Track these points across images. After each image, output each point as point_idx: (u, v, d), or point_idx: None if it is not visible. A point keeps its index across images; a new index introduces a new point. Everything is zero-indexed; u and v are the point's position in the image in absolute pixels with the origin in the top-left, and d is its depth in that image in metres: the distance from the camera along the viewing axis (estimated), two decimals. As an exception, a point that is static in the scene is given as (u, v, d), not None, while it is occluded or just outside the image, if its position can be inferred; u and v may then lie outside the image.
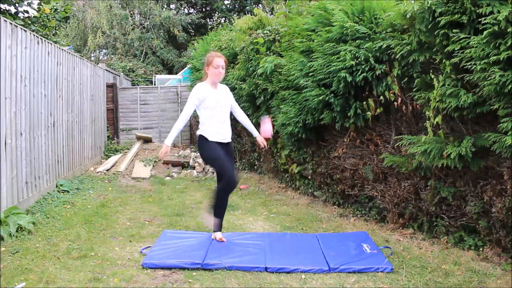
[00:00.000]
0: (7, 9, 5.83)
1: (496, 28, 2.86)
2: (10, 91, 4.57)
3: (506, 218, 3.23)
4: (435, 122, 3.50)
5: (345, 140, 4.82)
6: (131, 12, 18.67)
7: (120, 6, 18.11)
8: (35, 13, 6.53)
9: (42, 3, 6.53)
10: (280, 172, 6.54)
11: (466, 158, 3.26)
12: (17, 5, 5.97)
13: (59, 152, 6.25)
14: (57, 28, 7.81)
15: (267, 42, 6.19)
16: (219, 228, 3.92)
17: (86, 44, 18.17)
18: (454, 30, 3.19)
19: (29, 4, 6.18)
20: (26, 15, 6.30)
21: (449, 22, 3.21)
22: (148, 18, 18.06)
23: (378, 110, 4.27)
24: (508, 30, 2.81)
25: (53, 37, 7.16)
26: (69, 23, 17.25)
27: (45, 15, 6.72)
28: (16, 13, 5.96)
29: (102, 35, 17.26)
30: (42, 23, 6.68)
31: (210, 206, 3.92)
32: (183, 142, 11.48)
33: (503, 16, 2.82)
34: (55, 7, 7.17)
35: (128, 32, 17.48)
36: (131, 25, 17.82)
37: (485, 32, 2.92)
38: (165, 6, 19.34)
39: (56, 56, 6.12)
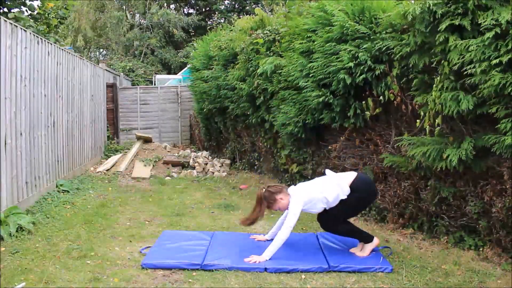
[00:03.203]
0: (8, 10, 5.83)
1: (498, 30, 2.86)
2: (10, 91, 4.56)
3: (506, 218, 3.23)
4: (434, 123, 3.50)
5: (342, 138, 4.83)
6: (131, 12, 18.67)
7: (116, 7, 18.09)
8: (38, 10, 6.51)
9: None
10: (280, 172, 6.54)
11: (466, 161, 3.26)
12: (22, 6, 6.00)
13: (59, 152, 6.24)
14: (58, 27, 7.79)
15: (267, 42, 6.19)
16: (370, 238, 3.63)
17: (86, 45, 18.20)
18: (453, 35, 3.18)
19: (29, 8, 6.19)
20: (29, 12, 6.30)
21: (450, 24, 3.21)
22: (146, 18, 18.07)
23: (377, 110, 4.27)
24: (510, 31, 2.81)
25: (55, 35, 7.14)
26: (67, 25, 17.29)
27: (47, 11, 6.70)
28: (21, 12, 5.97)
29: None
30: (45, 20, 6.68)
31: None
32: (183, 142, 11.48)
33: (505, 19, 2.82)
34: (57, 7, 7.16)
35: (124, 33, 17.48)
36: (129, 24, 17.80)
37: (486, 34, 2.92)
38: (165, 5, 19.33)
39: (56, 56, 6.11)
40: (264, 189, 3.64)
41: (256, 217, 3.65)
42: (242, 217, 3.84)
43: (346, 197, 3.46)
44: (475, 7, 3.08)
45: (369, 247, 3.54)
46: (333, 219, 3.57)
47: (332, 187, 3.49)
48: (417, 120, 3.76)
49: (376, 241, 3.57)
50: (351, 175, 3.58)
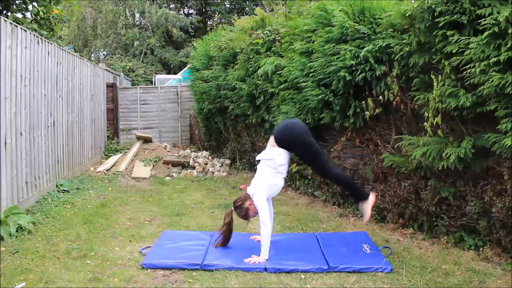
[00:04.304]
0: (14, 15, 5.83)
1: (496, 29, 2.86)
2: (10, 91, 4.56)
3: (506, 218, 3.23)
4: (434, 122, 3.50)
5: (343, 138, 4.83)
6: (131, 11, 18.68)
7: (113, 3, 18.09)
8: (41, 15, 6.51)
9: (51, 3, 6.48)
10: (280, 172, 6.54)
11: (466, 159, 3.26)
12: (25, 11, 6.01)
13: (59, 152, 6.24)
14: (61, 30, 7.80)
15: (267, 43, 6.19)
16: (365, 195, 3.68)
17: (86, 45, 18.20)
18: (453, 31, 3.19)
19: (31, 12, 6.20)
20: (32, 17, 6.30)
21: (449, 22, 3.21)
22: (144, 18, 18.08)
23: (377, 110, 4.27)
24: (509, 31, 2.81)
25: (59, 40, 7.14)
26: (69, 25, 17.27)
27: (52, 17, 6.69)
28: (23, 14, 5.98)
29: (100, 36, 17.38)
30: (49, 26, 6.67)
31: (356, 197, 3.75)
32: (183, 142, 11.48)
33: (503, 17, 2.82)
34: (61, 13, 7.15)
35: (119, 30, 17.48)
36: (125, 23, 17.80)
37: (485, 33, 2.92)
38: (165, 5, 19.33)
39: (56, 56, 6.12)
40: (232, 208, 3.72)
41: (227, 233, 3.71)
42: (218, 243, 3.77)
43: (285, 154, 3.58)
44: (474, 5, 3.08)
45: (367, 206, 3.57)
46: (319, 161, 3.65)
47: (269, 158, 3.59)
48: (419, 120, 3.75)
49: (372, 198, 3.60)
50: (271, 139, 3.67)
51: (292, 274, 3.22)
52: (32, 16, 6.29)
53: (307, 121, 5.02)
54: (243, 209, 3.64)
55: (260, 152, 3.77)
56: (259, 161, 3.74)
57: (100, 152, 9.04)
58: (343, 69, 4.27)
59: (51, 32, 6.76)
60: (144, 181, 7.37)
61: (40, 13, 6.34)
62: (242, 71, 6.75)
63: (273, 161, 3.59)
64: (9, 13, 5.72)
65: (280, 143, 3.60)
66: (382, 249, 3.67)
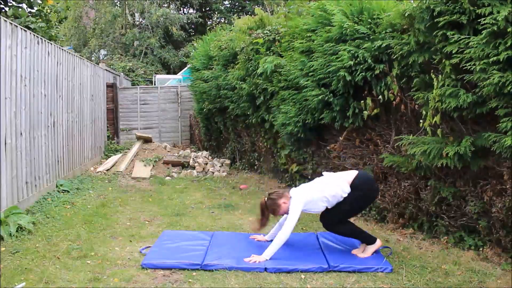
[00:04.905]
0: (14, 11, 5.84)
1: (495, 28, 2.87)
2: (10, 91, 4.56)
3: (506, 218, 3.23)
4: (433, 122, 3.51)
5: (341, 138, 4.83)
6: (131, 12, 18.65)
7: (112, 4, 18.05)
8: (37, 7, 6.52)
9: None
10: (280, 172, 6.55)
11: (465, 158, 3.26)
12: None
13: (59, 152, 6.24)
14: (57, 26, 7.80)
15: (267, 42, 6.20)
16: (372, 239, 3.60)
17: (86, 45, 18.19)
18: (452, 31, 3.19)
19: (29, 5, 6.20)
20: (28, 10, 6.31)
21: (448, 22, 3.22)
22: (144, 18, 18.06)
23: (375, 111, 4.27)
24: (508, 30, 2.82)
25: (56, 29, 7.13)
26: (66, 25, 17.24)
27: (48, 7, 6.69)
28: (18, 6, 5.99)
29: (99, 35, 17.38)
30: (45, 17, 6.67)
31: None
32: (183, 142, 11.48)
33: (502, 16, 2.82)
34: (56, 8, 7.16)
35: (116, 30, 17.46)
36: (125, 24, 17.78)
37: (484, 32, 2.93)
38: (164, 5, 19.30)
39: (56, 56, 6.11)
40: (266, 198, 3.66)
41: (263, 225, 3.73)
42: (253, 225, 3.93)
43: (346, 195, 3.47)
44: (473, 5, 3.09)
45: (371, 248, 3.53)
46: (335, 218, 3.57)
47: (332, 186, 3.50)
48: (419, 120, 3.76)
49: (378, 242, 3.56)
50: (351, 174, 3.57)
51: (292, 274, 3.22)
52: (27, 9, 6.31)
53: (307, 121, 5.03)
54: (275, 204, 3.58)
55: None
56: (321, 174, 3.72)
57: (100, 152, 9.04)
58: (342, 69, 4.27)
59: (48, 25, 6.75)
60: (144, 181, 7.37)
61: (36, 4, 6.35)
62: (242, 71, 6.75)
63: (335, 188, 3.47)
64: (6, 8, 5.72)
65: (358, 181, 3.48)
66: (382, 249, 3.67)
